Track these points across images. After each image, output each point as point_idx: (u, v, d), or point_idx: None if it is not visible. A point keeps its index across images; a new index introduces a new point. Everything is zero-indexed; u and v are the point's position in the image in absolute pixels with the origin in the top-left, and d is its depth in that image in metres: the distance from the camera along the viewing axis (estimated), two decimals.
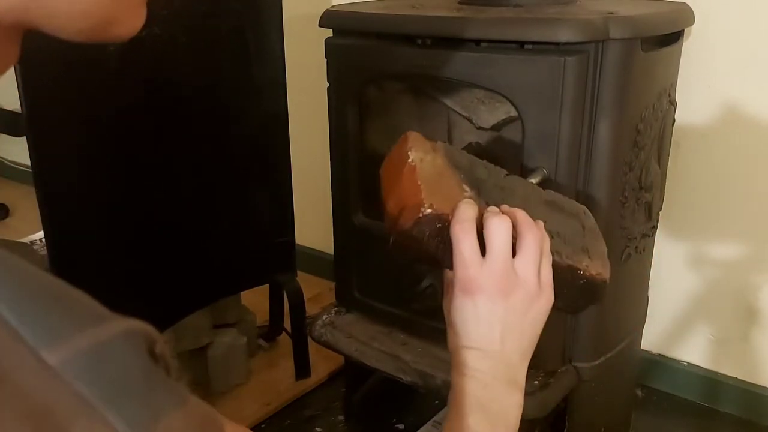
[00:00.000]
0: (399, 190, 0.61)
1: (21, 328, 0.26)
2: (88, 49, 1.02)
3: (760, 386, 1.35)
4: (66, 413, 0.26)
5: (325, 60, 1.10)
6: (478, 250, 0.56)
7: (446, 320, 0.59)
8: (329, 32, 1.11)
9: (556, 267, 0.60)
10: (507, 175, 0.76)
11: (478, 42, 0.96)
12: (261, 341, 1.55)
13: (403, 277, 1.12)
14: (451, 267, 0.57)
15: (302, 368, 1.44)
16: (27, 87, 0.96)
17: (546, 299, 0.57)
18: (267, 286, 1.50)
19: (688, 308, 1.39)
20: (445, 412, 1.34)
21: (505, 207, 0.60)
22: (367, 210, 1.16)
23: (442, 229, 0.58)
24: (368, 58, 1.09)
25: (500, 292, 0.54)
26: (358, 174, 1.16)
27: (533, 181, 0.86)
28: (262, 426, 1.36)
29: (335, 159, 1.16)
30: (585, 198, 0.96)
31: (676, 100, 1.13)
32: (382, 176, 0.66)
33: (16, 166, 2.60)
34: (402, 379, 1.08)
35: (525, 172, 0.94)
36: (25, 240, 1.89)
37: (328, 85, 1.12)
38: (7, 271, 0.28)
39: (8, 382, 0.25)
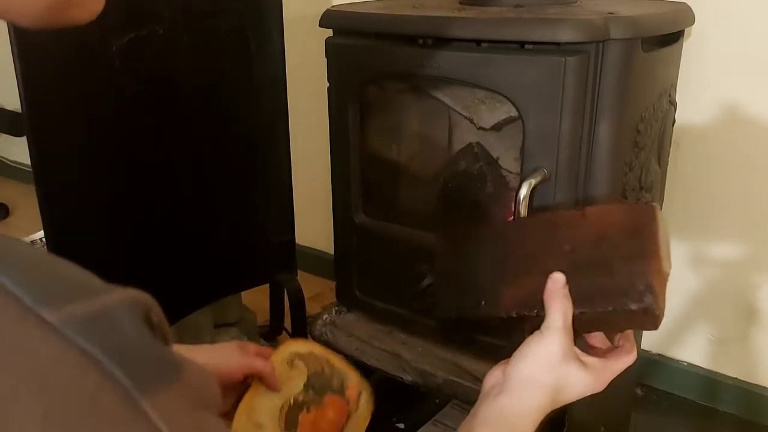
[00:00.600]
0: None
1: (18, 291, 0.26)
2: (88, 49, 1.02)
3: (760, 386, 1.35)
4: (74, 368, 0.25)
5: (325, 60, 1.10)
6: None
7: (528, 348, 0.63)
8: (329, 32, 1.11)
9: (590, 316, 0.63)
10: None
11: (478, 42, 0.96)
12: (262, 340, 1.56)
13: (404, 277, 1.12)
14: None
15: None
16: (27, 87, 0.97)
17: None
18: (267, 285, 1.50)
19: (687, 308, 1.39)
20: (445, 412, 1.34)
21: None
22: (368, 209, 1.16)
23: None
24: (368, 58, 1.09)
25: (597, 388, 0.64)
26: (358, 173, 1.16)
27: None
28: None
29: (335, 158, 1.16)
30: (585, 198, 0.96)
31: (676, 100, 1.13)
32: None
33: (17, 166, 2.61)
34: (402, 378, 1.08)
35: (525, 172, 0.95)
36: (26, 240, 1.89)
37: (328, 85, 1.12)
38: (6, 245, 0.28)
39: (5, 339, 0.25)
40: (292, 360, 0.75)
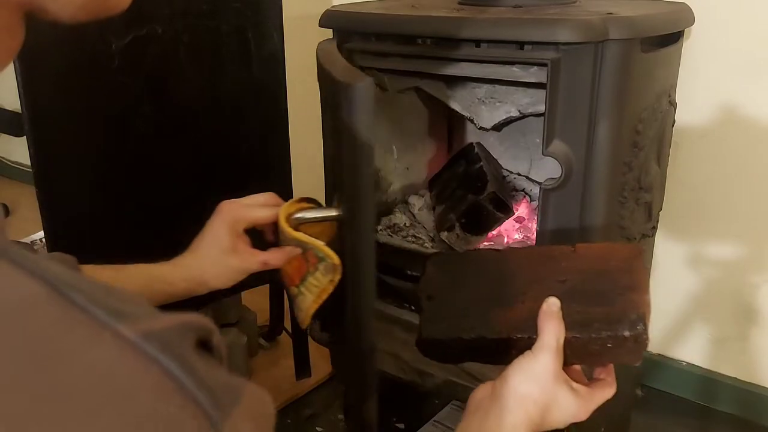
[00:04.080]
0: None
1: (90, 307, 0.25)
2: (88, 49, 1.02)
3: (759, 386, 1.35)
4: (155, 388, 0.24)
5: None
6: None
7: (521, 365, 0.64)
8: (329, 32, 1.11)
9: (581, 341, 0.66)
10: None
11: (478, 42, 0.96)
12: (261, 341, 1.56)
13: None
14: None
15: (302, 367, 1.44)
16: (27, 87, 0.97)
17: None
18: (267, 285, 1.50)
19: (687, 308, 1.39)
20: (445, 412, 1.33)
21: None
22: None
23: None
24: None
25: (580, 416, 0.67)
26: None
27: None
28: None
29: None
30: (584, 198, 0.96)
31: (676, 100, 1.13)
32: None
33: (17, 166, 2.61)
34: (402, 378, 1.08)
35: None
36: (26, 240, 1.89)
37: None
38: (70, 272, 0.27)
39: (82, 356, 0.24)
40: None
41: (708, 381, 1.40)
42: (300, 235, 0.78)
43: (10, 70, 0.94)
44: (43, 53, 0.95)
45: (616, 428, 1.28)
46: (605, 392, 0.68)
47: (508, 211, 1.14)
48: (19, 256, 0.26)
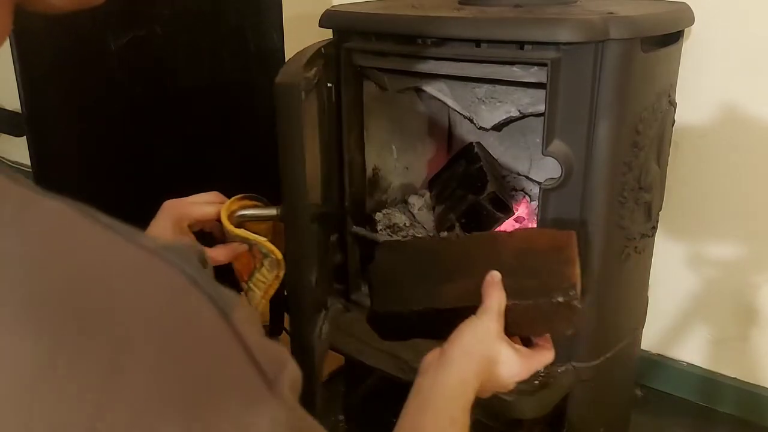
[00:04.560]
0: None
1: (114, 226, 0.29)
2: (88, 49, 1.02)
3: (759, 386, 1.35)
4: (178, 288, 0.28)
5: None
6: None
7: (466, 327, 0.68)
8: (329, 32, 1.11)
9: (520, 308, 0.72)
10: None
11: (478, 42, 0.96)
12: None
13: None
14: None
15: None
16: (27, 87, 0.97)
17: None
18: None
19: (687, 308, 1.39)
20: None
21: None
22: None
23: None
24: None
25: (523, 374, 0.71)
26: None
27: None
28: None
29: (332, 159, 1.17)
30: (584, 198, 0.96)
31: (676, 100, 1.13)
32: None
33: (16, 166, 2.61)
34: (402, 378, 1.08)
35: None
36: None
37: (329, 85, 1.12)
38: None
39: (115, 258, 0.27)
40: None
41: (708, 381, 1.40)
42: (241, 232, 0.79)
43: (9, 71, 0.94)
44: (43, 53, 0.95)
45: (616, 428, 1.28)
46: (545, 356, 0.73)
47: (508, 211, 1.14)
48: (33, 187, 0.29)
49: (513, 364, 0.69)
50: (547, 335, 0.76)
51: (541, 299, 0.72)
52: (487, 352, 0.67)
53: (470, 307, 0.70)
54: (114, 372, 0.24)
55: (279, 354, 0.31)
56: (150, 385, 0.25)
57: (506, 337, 0.70)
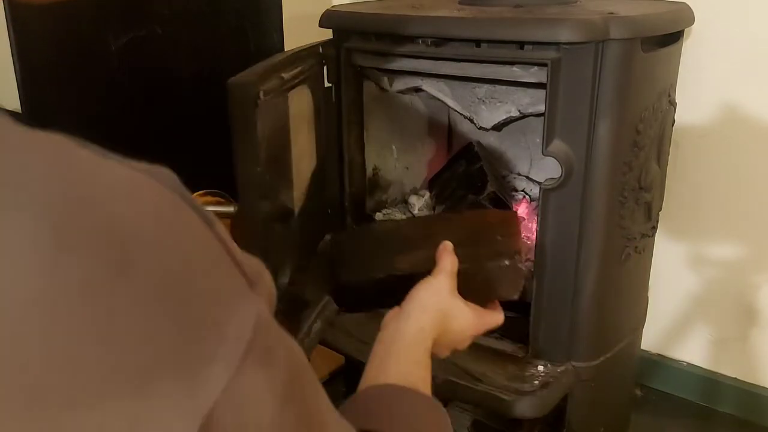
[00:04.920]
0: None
1: (123, 161, 0.31)
2: (87, 49, 1.02)
3: (759, 386, 1.35)
4: (172, 201, 0.31)
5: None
6: None
7: (421, 285, 0.74)
8: (329, 32, 1.11)
9: (471, 271, 0.79)
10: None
11: (478, 42, 0.96)
12: None
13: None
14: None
15: None
16: (26, 87, 0.97)
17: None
18: None
19: (687, 308, 1.39)
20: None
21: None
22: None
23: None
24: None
25: (477, 329, 0.78)
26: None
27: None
28: None
29: (333, 159, 1.17)
30: (584, 198, 0.96)
31: (676, 100, 1.13)
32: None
33: None
34: None
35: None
36: None
37: (328, 84, 1.12)
38: None
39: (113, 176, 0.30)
40: None
41: (708, 381, 1.40)
42: None
43: (9, 70, 0.94)
44: (43, 54, 0.95)
45: (616, 428, 1.28)
46: (495, 317, 0.79)
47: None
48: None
49: (465, 318, 0.74)
50: (497, 301, 0.83)
51: (490, 263, 0.82)
52: (440, 306, 0.72)
53: (426, 273, 0.76)
54: (121, 274, 0.26)
55: (257, 264, 0.33)
56: (157, 285, 0.27)
57: (459, 295, 0.75)
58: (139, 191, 0.30)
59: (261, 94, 0.84)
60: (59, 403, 0.25)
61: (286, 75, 0.94)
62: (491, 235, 0.86)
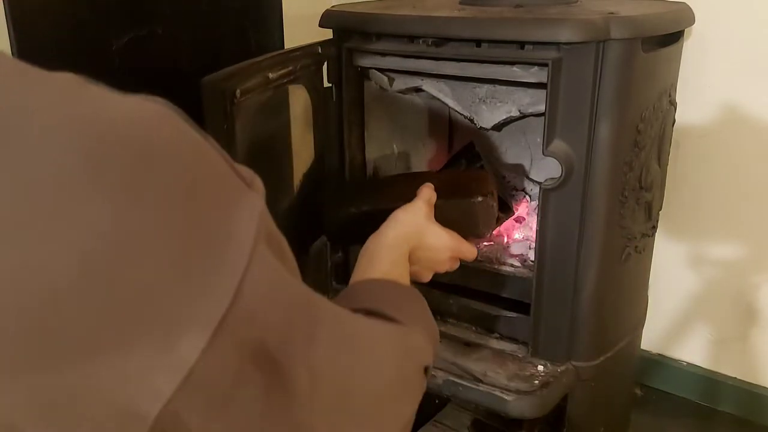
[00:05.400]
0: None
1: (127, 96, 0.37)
2: (88, 49, 1.02)
3: (760, 386, 1.35)
4: (177, 125, 0.37)
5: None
6: None
7: (400, 209, 0.82)
8: (329, 32, 1.11)
9: (447, 206, 0.89)
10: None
11: (478, 42, 0.96)
12: None
13: None
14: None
15: None
16: None
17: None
18: None
19: (687, 308, 1.39)
20: (445, 412, 1.33)
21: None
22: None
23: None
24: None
25: (455, 250, 0.86)
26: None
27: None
28: None
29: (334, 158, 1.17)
30: (585, 198, 0.96)
31: (676, 100, 1.13)
32: None
33: None
34: None
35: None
36: None
37: (329, 84, 1.12)
38: None
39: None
40: None
41: (708, 381, 1.40)
42: None
43: None
44: (43, 54, 0.95)
45: (616, 428, 1.28)
46: (470, 248, 0.86)
47: (507, 211, 1.14)
48: None
49: (440, 238, 0.82)
50: (471, 241, 0.91)
51: (464, 200, 0.93)
52: (415, 222, 0.81)
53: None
54: (146, 188, 0.30)
55: (248, 170, 0.38)
56: (175, 190, 0.32)
57: (435, 221, 0.83)
58: (148, 114, 0.34)
59: (238, 93, 0.84)
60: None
61: (272, 74, 0.94)
62: (465, 181, 0.99)
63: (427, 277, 0.84)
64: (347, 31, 1.09)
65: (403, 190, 0.90)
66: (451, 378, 1.03)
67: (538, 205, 1.00)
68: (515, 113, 1.07)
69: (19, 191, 0.28)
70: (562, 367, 1.05)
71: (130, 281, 0.29)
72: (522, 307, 1.07)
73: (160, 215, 0.30)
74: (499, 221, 1.16)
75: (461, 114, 1.14)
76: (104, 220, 0.29)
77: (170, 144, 0.33)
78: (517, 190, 1.32)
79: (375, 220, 0.82)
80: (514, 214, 1.18)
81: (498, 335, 1.11)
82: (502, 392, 0.98)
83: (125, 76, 1.07)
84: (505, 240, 1.21)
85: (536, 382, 1.01)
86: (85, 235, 0.28)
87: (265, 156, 1.02)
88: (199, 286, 0.31)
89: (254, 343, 0.34)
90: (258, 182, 0.37)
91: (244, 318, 0.33)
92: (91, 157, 0.29)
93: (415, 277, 0.81)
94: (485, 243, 1.18)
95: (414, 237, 0.79)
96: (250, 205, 0.35)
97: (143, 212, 0.30)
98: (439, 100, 1.14)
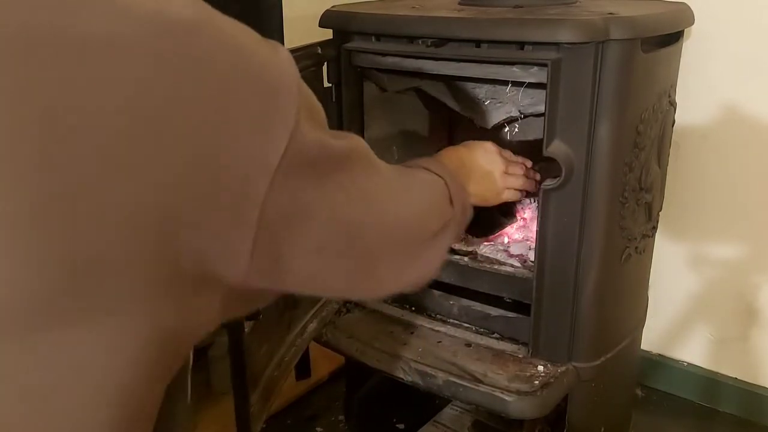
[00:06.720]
0: None
1: None
2: None
3: (760, 386, 1.35)
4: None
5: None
6: None
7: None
8: (329, 32, 1.11)
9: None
10: None
11: (478, 42, 0.96)
12: None
13: None
14: None
15: (303, 368, 1.44)
16: None
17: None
18: None
19: (688, 308, 1.39)
20: (445, 412, 1.33)
21: None
22: None
23: None
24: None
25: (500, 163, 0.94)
26: None
27: None
28: (263, 426, 1.36)
29: None
30: (585, 199, 0.96)
31: (676, 100, 1.13)
32: None
33: None
34: (402, 379, 1.08)
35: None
36: None
37: (329, 85, 1.12)
38: None
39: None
40: None
41: (709, 381, 1.40)
42: None
43: None
44: None
45: (616, 428, 1.28)
46: (517, 160, 0.96)
47: (511, 216, 1.14)
48: None
49: (492, 157, 0.91)
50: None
51: None
52: (460, 147, 0.90)
53: None
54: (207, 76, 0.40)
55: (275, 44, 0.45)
56: (228, 71, 0.41)
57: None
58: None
59: None
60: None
61: None
62: None
63: (472, 190, 0.85)
64: (347, 32, 1.09)
65: None
66: (452, 378, 1.03)
67: (538, 205, 1.00)
68: (515, 113, 1.07)
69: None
70: (563, 368, 1.04)
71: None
72: (522, 307, 1.07)
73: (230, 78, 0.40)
74: (501, 226, 1.16)
75: (461, 114, 1.14)
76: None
77: (216, 18, 0.43)
78: None
79: None
80: (517, 220, 1.18)
81: (498, 336, 1.11)
82: (503, 393, 0.98)
83: None
84: (506, 240, 1.21)
85: (536, 382, 1.01)
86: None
87: None
88: (240, 156, 0.38)
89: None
90: (287, 55, 0.44)
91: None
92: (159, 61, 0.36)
93: (479, 200, 0.88)
94: (485, 243, 1.18)
95: (464, 152, 0.87)
96: (287, 58, 0.43)
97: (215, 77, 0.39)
98: (438, 100, 1.14)
